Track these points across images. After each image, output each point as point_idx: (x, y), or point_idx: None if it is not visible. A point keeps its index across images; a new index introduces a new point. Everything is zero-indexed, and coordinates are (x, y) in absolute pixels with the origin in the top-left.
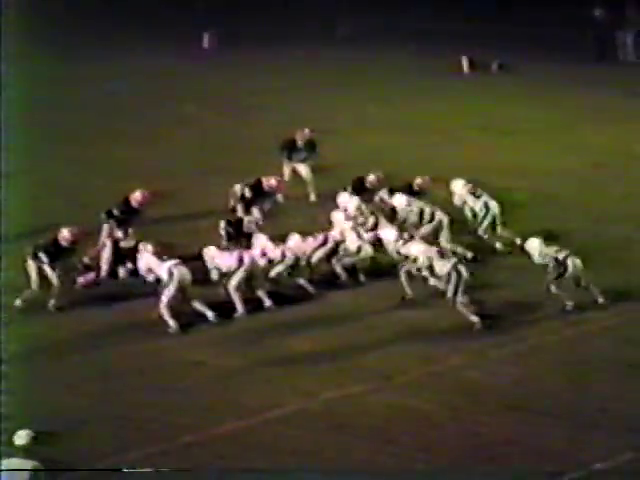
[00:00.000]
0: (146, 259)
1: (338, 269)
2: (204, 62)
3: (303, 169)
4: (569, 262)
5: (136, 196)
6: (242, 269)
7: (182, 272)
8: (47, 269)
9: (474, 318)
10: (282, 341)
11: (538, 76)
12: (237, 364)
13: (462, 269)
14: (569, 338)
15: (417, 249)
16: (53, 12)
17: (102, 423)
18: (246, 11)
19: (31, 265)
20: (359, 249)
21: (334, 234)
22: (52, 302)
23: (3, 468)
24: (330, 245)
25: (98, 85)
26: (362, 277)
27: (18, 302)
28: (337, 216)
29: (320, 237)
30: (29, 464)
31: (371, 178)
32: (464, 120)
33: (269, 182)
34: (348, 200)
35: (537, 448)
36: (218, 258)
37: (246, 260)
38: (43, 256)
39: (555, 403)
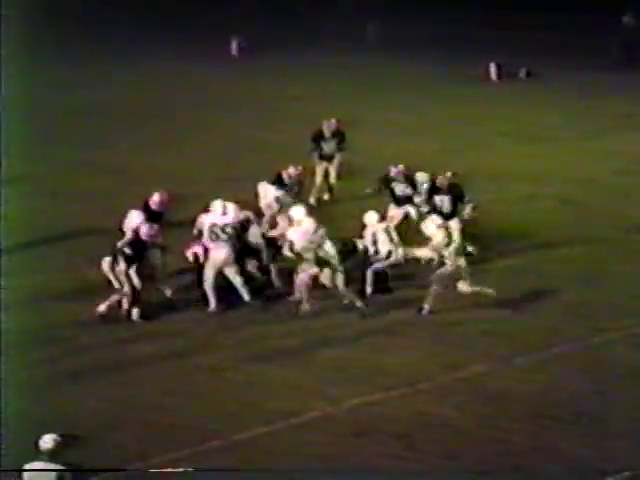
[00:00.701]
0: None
1: (368, 277)
2: (231, 68)
3: (332, 171)
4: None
5: (154, 199)
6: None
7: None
8: (130, 271)
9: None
10: (306, 346)
11: (566, 83)
12: (261, 369)
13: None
14: (595, 346)
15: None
16: (80, 16)
17: (127, 428)
18: (274, 17)
19: (107, 267)
20: (389, 254)
21: (366, 238)
22: (136, 311)
23: (27, 471)
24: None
25: (124, 90)
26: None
27: (102, 308)
28: (371, 216)
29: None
30: (54, 468)
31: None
32: (491, 126)
33: (288, 172)
34: (268, 190)
35: (563, 456)
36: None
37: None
38: (128, 251)
39: (581, 411)
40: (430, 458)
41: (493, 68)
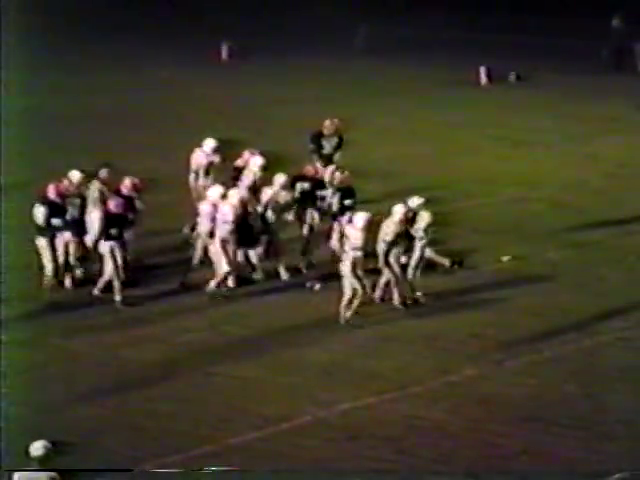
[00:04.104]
0: None
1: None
2: (222, 72)
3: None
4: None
5: (126, 184)
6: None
7: None
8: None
9: None
10: (297, 351)
11: (555, 87)
12: (253, 374)
13: None
14: (585, 348)
15: None
16: (68, 23)
17: (118, 434)
18: (263, 22)
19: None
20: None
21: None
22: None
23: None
24: None
25: (114, 95)
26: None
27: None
28: (415, 201)
29: None
30: (45, 475)
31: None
32: (481, 130)
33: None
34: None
35: (554, 459)
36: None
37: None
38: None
39: (572, 414)
40: (421, 462)
41: (483, 72)
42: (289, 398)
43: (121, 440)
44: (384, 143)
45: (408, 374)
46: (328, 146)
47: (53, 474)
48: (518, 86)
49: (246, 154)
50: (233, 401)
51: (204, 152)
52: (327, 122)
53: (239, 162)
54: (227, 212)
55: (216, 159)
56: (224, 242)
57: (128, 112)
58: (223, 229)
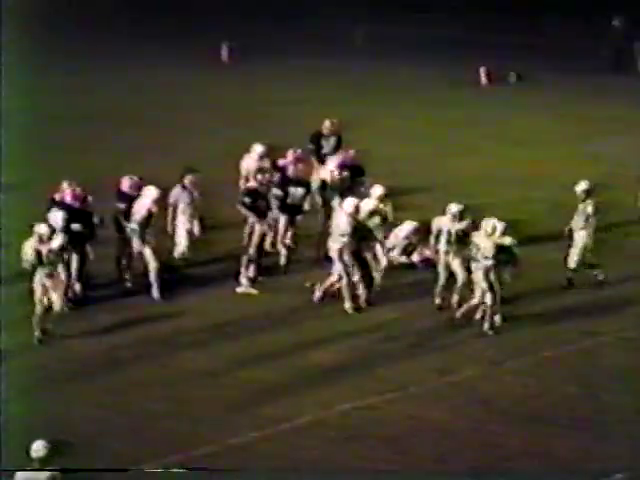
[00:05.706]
0: None
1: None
2: (222, 72)
3: None
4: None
5: (124, 183)
6: None
7: None
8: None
9: None
10: (298, 352)
11: (555, 87)
12: (253, 374)
13: None
14: (585, 349)
15: None
16: (68, 24)
17: (118, 434)
18: (263, 23)
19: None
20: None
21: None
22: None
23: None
24: None
25: (114, 95)
26: None
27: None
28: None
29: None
30: (46, 475)
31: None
32: (481, 130)
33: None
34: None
35: (555, 459)
36: None
37: None
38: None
39: (572, 414)
40: (421, 462)
41: (483, 72)
42: (288, 398)
43: (121, 440)
44: (385, 143)
45: (408, 374)
46: (327, 146)
47: (54, 474)
48: (518, 86)
49: (289, 154)
50: (232, 401)
51: (253, 158)
52: (326, 122)
53: (282, 162)
54: (344, 223)
55: (265, 164)
56: (341, 251)
57: (128, 112)
58: (339, 241)
